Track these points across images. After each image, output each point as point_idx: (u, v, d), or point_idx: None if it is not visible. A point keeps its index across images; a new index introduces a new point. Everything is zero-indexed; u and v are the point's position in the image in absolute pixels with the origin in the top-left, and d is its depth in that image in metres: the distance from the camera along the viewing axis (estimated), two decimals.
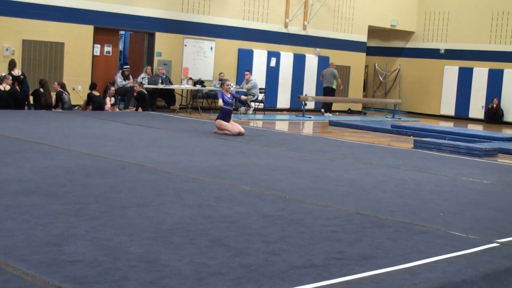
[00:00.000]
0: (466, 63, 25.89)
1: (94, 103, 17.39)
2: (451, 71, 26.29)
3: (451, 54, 26.40)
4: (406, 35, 27.75)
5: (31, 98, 16.49)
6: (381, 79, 28.57)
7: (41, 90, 16.31)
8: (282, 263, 4.76)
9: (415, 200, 7.71)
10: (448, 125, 21.93)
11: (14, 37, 17.34)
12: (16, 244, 4.80)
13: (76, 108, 17.73)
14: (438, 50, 26.87)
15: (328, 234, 5.71)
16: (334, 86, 23.66)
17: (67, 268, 4.33)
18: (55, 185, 7.04)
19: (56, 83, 16.86)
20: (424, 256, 5.21)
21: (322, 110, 23.70)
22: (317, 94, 24.14)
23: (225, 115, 13.67)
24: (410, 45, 27.85)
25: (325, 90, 23.67)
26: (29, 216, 5.61)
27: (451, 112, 26.22)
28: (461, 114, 25.89)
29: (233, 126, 13.66)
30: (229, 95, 13.85)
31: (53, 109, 16.44)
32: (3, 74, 15.91)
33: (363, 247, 5.36)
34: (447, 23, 26.63)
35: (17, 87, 15.99)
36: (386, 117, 24.55)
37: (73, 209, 5.95)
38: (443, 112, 26.49)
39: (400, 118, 23.83)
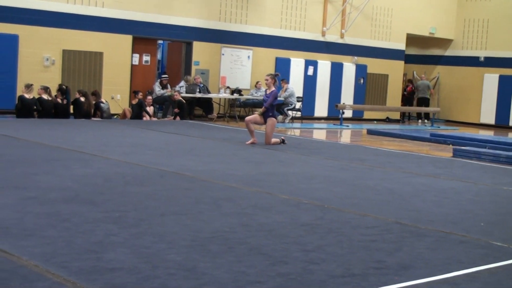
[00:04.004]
0: (507, 71, 25.54)
1: (132, 111, 17.57)
2: (491, 79, 25.97)
3: (491, 62, 26.09)
4: (445, 43, 27.51)
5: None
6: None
7: (82, 99, 16.48)
8: (320, 272, 4.74)
9: (455, 209, 7.62)
10: (488, 134, 21.67)
11: (55, 47, 17.58)
12: (56, 251, 4.85)
13: (115, 117, 17.90)
14: (477, 58, 26.56)
15: (366, 243, 5.67)
16: (429, 96, 26.19)
17: (107, 275, 4.36)
18: (95, 193, 7.10)
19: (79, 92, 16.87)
20: (465, 267, 5.14)
21: (424, 119, 26.00)
22: (355, 102, 24.08)
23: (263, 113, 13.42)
24: (449, 53, 27.59)
25: (420, 100, 26.14)
26: (69, 224, 5.67)
27: (491, 121, 25.89)
28: (502, 122, 25.54)
29: (266, 129, 13.41)
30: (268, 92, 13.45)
31: (92, 118, 16.61)
32: (29, 84, 16.01)
33: (402, 256, 5.31)
34: (487, 30, 26.33)
35: (44, 96, 16.06)
36: (425, 125, 24.34)
37: (112, 217, 6.00)
38: (483, 120, 26.18)
39: (439, 127, 23.62)
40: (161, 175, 8.64)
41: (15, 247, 4.86)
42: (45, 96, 16.04)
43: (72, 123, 15.55)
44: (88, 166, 8.99)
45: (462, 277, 4.88)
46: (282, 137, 13.89)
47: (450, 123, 26.33)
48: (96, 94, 17.14)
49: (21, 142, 11.27)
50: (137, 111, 17.63)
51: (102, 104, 17.06)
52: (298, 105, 21.69)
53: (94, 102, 16.88)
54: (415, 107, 26.72)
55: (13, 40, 16.91)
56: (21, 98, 15.75)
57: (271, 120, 13.26)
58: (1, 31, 16.77)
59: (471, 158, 13.32)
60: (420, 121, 26.25)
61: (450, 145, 16.01)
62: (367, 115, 25.09)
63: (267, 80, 13.43)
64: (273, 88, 13.33)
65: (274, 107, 13.51)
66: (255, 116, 13.58)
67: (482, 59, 26.43)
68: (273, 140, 13.37)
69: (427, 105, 25.88)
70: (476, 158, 13.28)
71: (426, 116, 26.08)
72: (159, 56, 22.68)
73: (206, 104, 20.32)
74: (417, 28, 26.27)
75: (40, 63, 17.40)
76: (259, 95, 20.29)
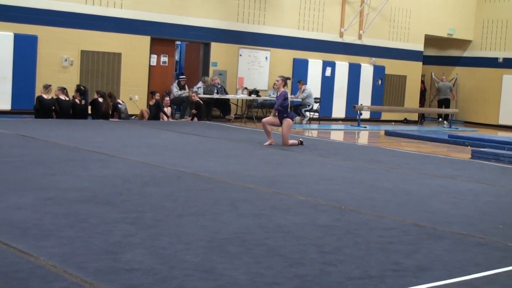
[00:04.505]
0: None
1: (149, 112, 17.63)
2: (510, 80, 25.77)
3: (510, 63, 25.89)
4: (464, 43, 27.36)
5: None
6: None
7: (100, 100, 16.55)
8: (338, 273, 4.73)
9: (473, 211, 7.57)
10: (507, 135, 21.51)
11: (73, 48, 17.69)
12: (74, 251, 4.87)
13: (133, 117, 17.96)
14: (496, 59, 26.38)
15: (384, 245, 5.65)
16: (450, 98, 26.36)
17: (124, 276, 4.38)
18: (112, 194, 7.13)
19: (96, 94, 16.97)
20: (483, 269, 5.11)
21: (443, 120, 26.26)
22: (372, 103, 24.01)
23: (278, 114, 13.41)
24: (467, 54, 27.42)
25: (442, 101, 26.05)
26: (87, 224, 5.69)
27: (510, 122, 25.67)
28: None
29: (282, 130, 13.41)
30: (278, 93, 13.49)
31: (110, 119, 16.68)
32: (48, 84, 16.08)
33: (420, 258, 5.29)
34: (506, 31, 26.14)
35: (61, 97, 16.13)
36: (443, 126, 24.23)
37: (130, 218, 6.02)
38: (502, 122, 25.98)
39: (457, 128, 23.49)
40: (179, 176, 8.66)
41: (33, 247, 4.90)
42: (62, 97, 16.13)
43: (90, 123, 15.62)
44: (106, 166, 9.03)
45: (480, 280, 4.85)
46: (300, 139, 13.86)
47: (469, 125, 26.18)
48: (112, 96, 17.19)
49: (39, 142, 11.35)
50: (155, 112, 17.69)
51: (119, 105, 17.13)
52: (316, 106, 21.66)
53: (111, 103, 16.95)
54: (434, 108, 26.64)
55: (32, 41, 17.03)
56: (40, 98, 15.86)
57: (286, 121, 13.25)
58: (20, 32, 16.89)
59: (489, 160, 13.23)
60: (440, 118, 26.61)
61: (468, 147, 15.92)
62: (385, 116, 25.01)
63: (277, 81, 13.47)
64: (282, 89, 13.37)
65: (287, 108, 13.50)
66: (271, 117, 13.62)
67: (501, 60, 26.24)
68: (291, 141, 13.36)
69: (448, 106, 25.79)
70: (495, 160, 13.20)
71: (446, 117, 26.00)
72: (177, 57, 22.72)
73: (224, 105, 20.34)
74: (435, 29, 26.15)
75: (58, 64, 17.51)
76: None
